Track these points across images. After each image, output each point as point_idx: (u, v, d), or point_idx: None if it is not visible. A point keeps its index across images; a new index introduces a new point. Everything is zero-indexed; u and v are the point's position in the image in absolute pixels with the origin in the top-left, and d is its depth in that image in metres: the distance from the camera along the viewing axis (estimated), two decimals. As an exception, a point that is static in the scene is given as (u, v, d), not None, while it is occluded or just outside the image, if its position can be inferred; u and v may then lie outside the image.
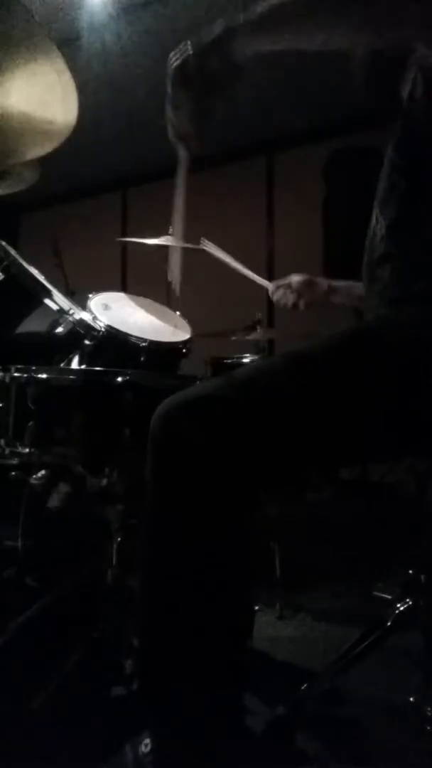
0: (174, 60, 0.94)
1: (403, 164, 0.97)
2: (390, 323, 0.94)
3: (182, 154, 1.13)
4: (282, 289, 1.50)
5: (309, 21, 0.83)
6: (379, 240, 1.01)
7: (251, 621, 1.39)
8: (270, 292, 1.54)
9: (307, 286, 1.46)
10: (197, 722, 0.80)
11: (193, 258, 2.83)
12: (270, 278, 1.60)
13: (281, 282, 1.50)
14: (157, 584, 0.86)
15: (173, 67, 0.95)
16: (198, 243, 2.52)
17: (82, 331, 1.43)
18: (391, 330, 0.91)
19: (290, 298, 1.49)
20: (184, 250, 1.34)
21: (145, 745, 0.84)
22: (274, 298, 1.53)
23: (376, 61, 1.01)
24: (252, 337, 2.40)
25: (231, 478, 0.82)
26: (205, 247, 1.62)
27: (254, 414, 0.84)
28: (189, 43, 0.92)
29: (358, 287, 1.18)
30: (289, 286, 1.49)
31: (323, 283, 1.45)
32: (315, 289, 1.46)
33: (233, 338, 2.44)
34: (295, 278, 1.48)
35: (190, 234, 2.48)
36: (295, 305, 1.48)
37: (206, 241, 1.59)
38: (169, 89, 0.97)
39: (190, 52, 0.92)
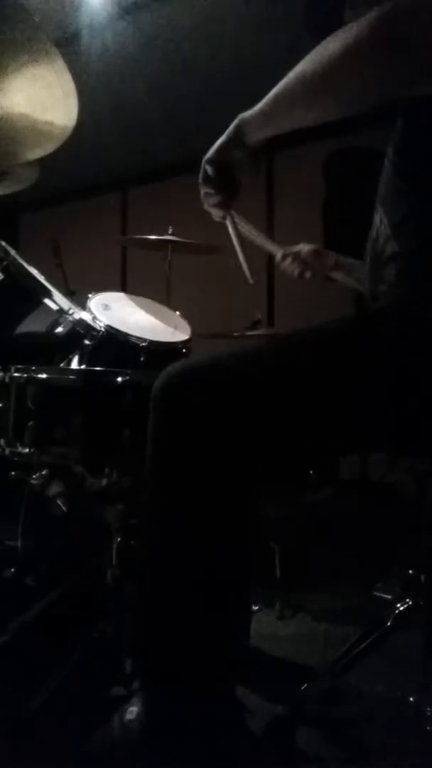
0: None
1: (406, 166, 0.97)
2: (396, 312, 0.94)
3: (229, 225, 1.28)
4: (290, 257, 1.49)
5: (318, 100, 0.86)
6: (384, 241, 1.01)
7: (248, 609, 1.39)
8: (276, 260, 1.52)
9: (316, 256, 1.46)
10: (188, 714, 0.80)
11: (194, 258, 2.84)
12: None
13: (290, 250, 1.49)
14: (156, 560, 0.86)
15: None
16: (196, 241, 2.52)
17: (82, 331, 1.43)
18: (396, 318, 0.91)
19: (296, 268, 1.48)
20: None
21: (131, 713, 0.84)
22: (281, 266, 1.52)
23: None
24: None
25: (232, 446, 0.82)
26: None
27: (255, 385, 0.84)
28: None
29: (360, 266, 1.19)
30: (297, 255, 1.48)
31: (331, 255, 1.45)
32: (322, 261, 1.45)
33: (235, 334, 2.44)
34: (305, 247, 1.47)
35: (190, 234, 2.50)
36: (300, 275, 1.48)
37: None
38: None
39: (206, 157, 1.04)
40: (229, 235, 1.31)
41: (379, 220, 1.03)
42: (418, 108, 0.92)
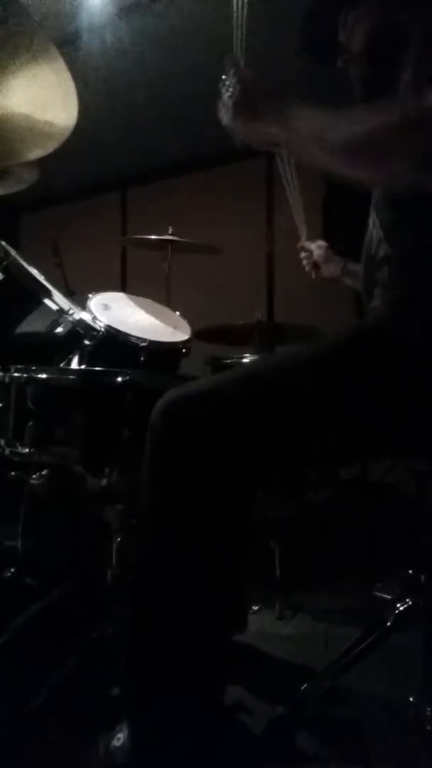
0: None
1: None
2: (389, 322, 0.95)
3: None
4: (304, 252, 1.55)
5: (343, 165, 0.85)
6: (377, 244, 1.01)
7: (244, 611, 1.39)
8: (298, 246, 1.59)
9: (324, 259, 1.51)
10: (178, 715, 0.81)
11: (194, 258, 2.84)
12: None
13: (308, 244, 1.55)
14: (150, 576, 0.86)
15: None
16: (195, 241, 2.53)
17: (82, 331, 1.43)
18: (390, 328, 0.91)
19: (308, 264, 1.54)
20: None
21: (117, 739, 0.84)
22: (300, 255, 1.58)
23: (374, 66, 1.03)
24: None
25: (229, 474, 0.82)
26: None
27: (254, 411, 0.84)
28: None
29: None
30: (310, 254, 1.54)
31: (340, 262, 1.49)
32: (330, 266, 1.50)
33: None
34: (318, 249, 1.53)
35: (190, 234, 2.50)
36: (309, 271, 1.53)
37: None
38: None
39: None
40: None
41: (372, 223, 1.04)
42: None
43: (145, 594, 0.87)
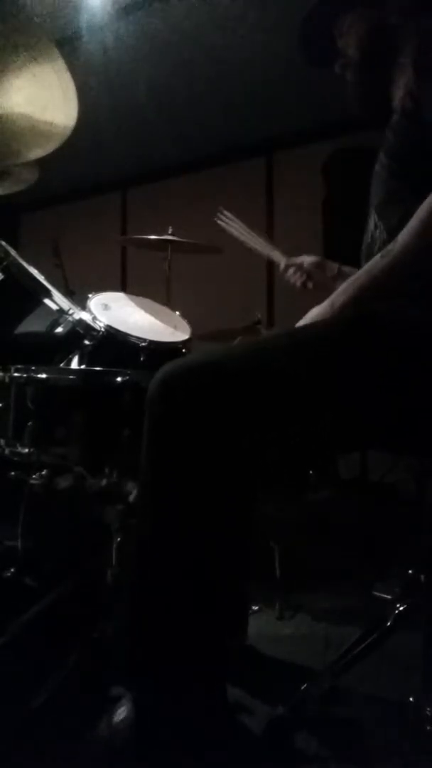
0: None
1: (402, 169, 0.98)
2: (391, 313, 0.95)
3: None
4: (293, 268, 1.52)
5: None
6: (381, 245, 1.01)
7: (244, 609, 1.39)
8: (280, 270, 1.55)
9: (318, 267, 1.48)
10: (179, 712, 0.80)
11: (194, 258, 2.84)
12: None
13: (293, 261, 1.52)
14: (150, 562, 0.86)
15: None
16: (195, 241, 2.54)
17: (82, 331, 1.43)
18: (390, 319, 0.92)
19: (299, 278, 1.51)
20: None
21: (119, 714, 0.84)
22: (285, 276, 1.54)
23: (368, 69, 1.03)
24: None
25: (228, 444, 0.82)
26: (220, 221, 1.66)
27: (251, 382, 0.84)
28: None
29: None
30: (300, 266, 1.51)
31: (333, 266, 1.47)
32: (325, 272, 1.48)
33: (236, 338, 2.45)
34: (308, 259, 1.50)
35: (190, 234, 2.49)
36: (303, 285, 1.50)
37: (224, 214, 1.64)
38: None
39: None
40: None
41: (374, 225, 1.04)
42: (415, 111, 0.92)
43: (143, 578, 0.86)
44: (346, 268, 1.44)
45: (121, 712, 0.84)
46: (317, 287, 1.48)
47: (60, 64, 1.35)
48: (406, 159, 0.96)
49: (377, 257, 0.92)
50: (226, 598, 0.87)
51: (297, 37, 1.12)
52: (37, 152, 1.52)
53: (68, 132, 1.45)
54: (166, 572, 0.83)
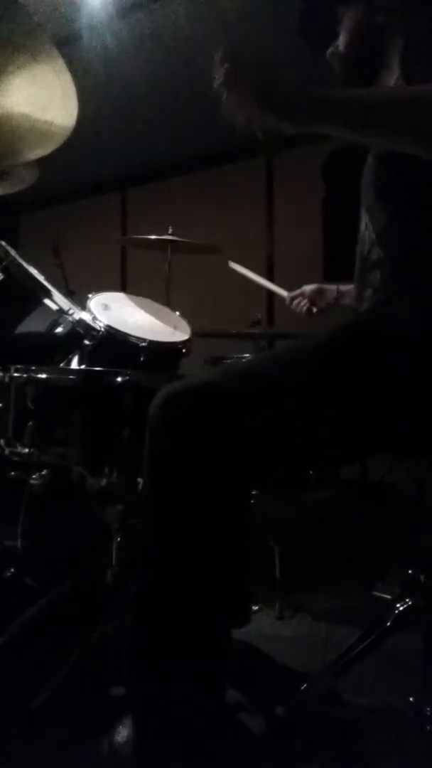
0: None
1: (387, 173, 0.98)
2: (382, 318, 0.95)
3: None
4: (297, 298, 1.66)
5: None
6: (369, 246, 1.01)
7: (247, 611, 1.39)
8: (286, 302, 1.71)
9: (318, 294, 1.60)
10: (181, 713, 0.81)
11: (194, 258, 2.84)
12: (271, 279, 1.74)
13: (295, 293, 1.66)
14: (151, 572, 0.86)
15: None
16: (195, 241, 2.55)
17: (82, 331, 1.43)
18: (382, 324, 0.92)
19: (303, 306, 1.64)
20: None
21: (120, 736, 0.84)
22: (291, 307, 1.69)
23: (354, 65, 1.03)
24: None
25: (228, 468, 0.82)
26: (232, 266, 1.94)
27: (253, 405, 0.85)
28: None
29: None
30: (302, 294, 1.63)
31: (332, 289, 1.56)
32: (325, 296, 1.59)
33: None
34: (308, 288, 1.63)
35: (190, 234, 2.49)
36: (309, 311, 1.63)
37: (232, 263, 1.94)
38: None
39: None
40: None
41: (365, 226, 1.04)
42: None
43: (145, 587, 0.87)
44: (344, 287, 1.50)
45: (120, 735, 0.85)
46: (321, 311, 1.61)
47: (60, 64, 1.35)
48: (392, 161, 0.96)
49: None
50: (227, 599, 0.88)
51: (297, 13, 1.11)
52: (37, 152, 1.52)
53: (68, 132, 1.45)
54: (167, 575, 0.84)
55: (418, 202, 0.94)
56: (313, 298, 1.61)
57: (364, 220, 1.04)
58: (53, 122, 1.43)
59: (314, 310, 1.62)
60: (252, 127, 0.89)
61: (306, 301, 1.62)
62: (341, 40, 1.04)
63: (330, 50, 1.06)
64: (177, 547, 0.83)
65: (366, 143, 0.96)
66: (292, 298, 1.67)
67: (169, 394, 0.86)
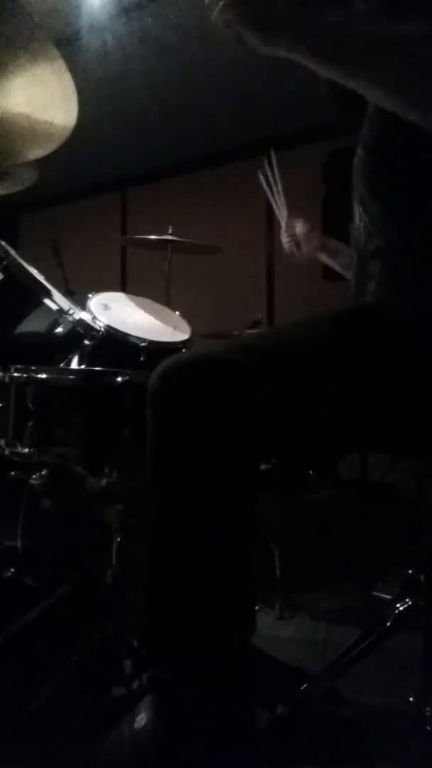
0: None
1: (377, 163, 0.98)
2: (388, 305, 0.95)
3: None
4: (288, 234, 1.63)
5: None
6: (366, 237, 1.01)
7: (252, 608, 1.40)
8: (282, 231, 1.66)
9: (306, 236, 1.58)
10: (198, 714, 0.81)
11: (194, 258, 2.84)
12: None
13: (291, 224, 1.63)
14: (161, 553, 0.86)
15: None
16: (195, 241, 2.54)
17: (82, 331, 1.43)
18: (388, 310, 0.92)
19: (288, 244, 1.62)
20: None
21: (140, 720, 0.84)
22: (282, 239, 1.65)
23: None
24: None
25: (230, 439, 0.82)
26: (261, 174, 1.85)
27: (252, 376, 0.84)
28: None
29: (347, 252, 1.27)
30: (293, 231, 1.61)
31: (319, 238, 1.56)
32: (310, 241, 1.57)
33: (235, 332, 2.46)
34: (300, 227, 1.60)
35: (190, 234, 2.49)
36: (290, 250, 1.61)
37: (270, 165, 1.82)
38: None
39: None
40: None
41: (358, 217, 1.04)
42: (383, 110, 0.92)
43: (156, 564, 0.87)
44: (329, 242, 1.52)
45: (139, 720, 0.84)
46: (302, 258, 1.59)
47: (60, 64, 1.35)
48: (383, 151, 0.97)
49: None
50: (238, 598, 0.88)
51: None
52: (37, 152, 1.52)
53: (68, 132, 1.45)
54: (175, 569, 0.84)
55: (408, 190, 0.94)
56: (300, 239, 1.58)
57: (357, 212, 1.04)
58: (53, 122, 1.43)
59: (297, 253, 1.59)
60: (238, 42, 0.90)
61: (294, 240, 1.59)
62: None
63: None
64: (184, 529, 0.83)
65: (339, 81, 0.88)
66: (286, 230, 1.64)
67: (169, 366, 0.86)
